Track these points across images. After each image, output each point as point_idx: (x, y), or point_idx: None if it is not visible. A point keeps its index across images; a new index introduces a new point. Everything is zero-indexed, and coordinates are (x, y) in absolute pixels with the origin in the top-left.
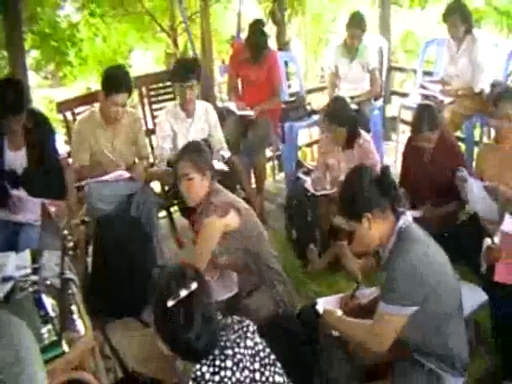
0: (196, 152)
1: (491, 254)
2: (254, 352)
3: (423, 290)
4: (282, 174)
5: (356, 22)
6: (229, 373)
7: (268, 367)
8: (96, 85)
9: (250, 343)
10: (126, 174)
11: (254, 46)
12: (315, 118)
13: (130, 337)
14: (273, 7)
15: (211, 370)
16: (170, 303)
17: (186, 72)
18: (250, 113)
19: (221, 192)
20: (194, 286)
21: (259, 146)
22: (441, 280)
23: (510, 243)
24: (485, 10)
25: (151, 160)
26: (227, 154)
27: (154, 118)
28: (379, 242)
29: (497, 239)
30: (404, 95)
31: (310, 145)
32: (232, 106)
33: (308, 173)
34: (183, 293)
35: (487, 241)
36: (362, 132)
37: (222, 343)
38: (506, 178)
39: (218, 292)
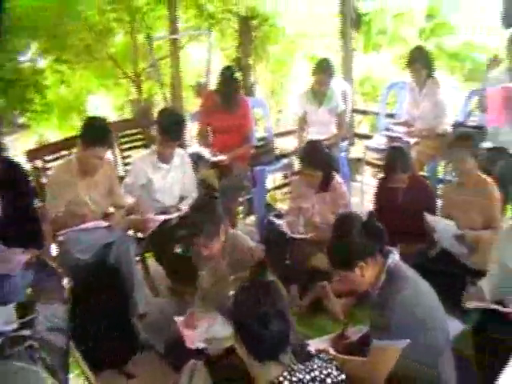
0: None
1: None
2: None
3: (415, 325)
4: (252, 218)
5: (324, 68)
6: None
7: None
8: (53, 132)
9: None
10: (103, 223)
11: (226, 94)
12: (284, 161)
13: None
14: (238, 54)
15: None
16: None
17: (178, 129)
18: (222, 158)
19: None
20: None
21: (236, 191)
22: (431, 314)
23: None
24: (435, 54)
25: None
26: None
27: (125, 165)
28: (370, 285)
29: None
30: (367, 137)
31: (276, 188)
32: (205, 152)
33: (279, 216)
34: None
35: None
36: (335, 174)
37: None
38: (471, 219)
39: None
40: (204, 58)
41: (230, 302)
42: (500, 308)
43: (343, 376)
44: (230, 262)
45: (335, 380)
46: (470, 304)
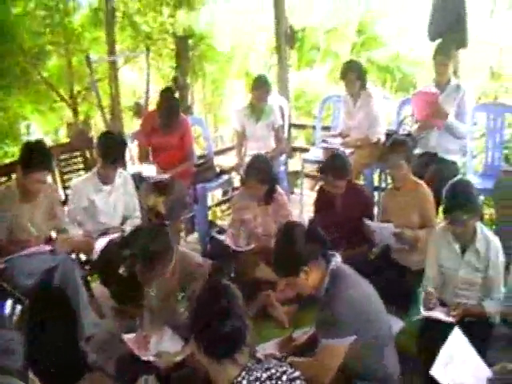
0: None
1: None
2: None
3: (359, 320)
4: (194, 235)
5: (261, 84)
6: None
7: None
8: None
9: None
10: (46, 247)
11: (166, 115)
12: (224, 178)
13: None
14: (175, 73)
15: None
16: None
17: (118, 155)
18: (164, 176)
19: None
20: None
21: (179, 209)
22: (373, 311)
23: None
24: (367, 67)
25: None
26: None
27: (65, 188)
28: (314, 289)
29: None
30: (304, 150)
31: (218, 204)
32: (146, 171)
33: (221, 232)
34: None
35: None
36: (277, 186)
37: (252, 382)
38: (409, 221)
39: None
40: (140, 79)
41: (181, 317)
42: (442, 318)
43: (298, 373)
44: (180, 279)
45: (290, 376)
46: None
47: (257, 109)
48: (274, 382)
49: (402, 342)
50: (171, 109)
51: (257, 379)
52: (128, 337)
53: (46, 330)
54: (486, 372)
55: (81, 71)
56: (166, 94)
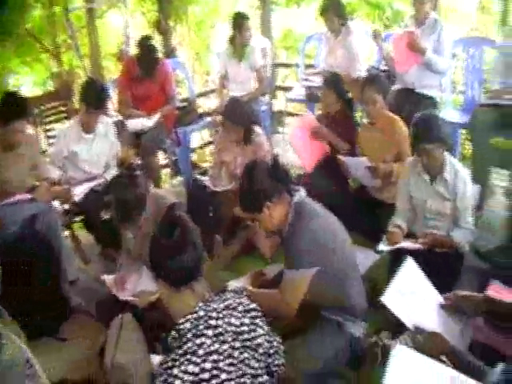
0: None
1: (390, 236)
2: (237, 330)
3: (323, 252)
4: (179, 179)
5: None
6: (208, 341)
7: (248, 350)
8: None
9: (234, 321)
10: (28, 196)
11: (145, 63)
12: (207, 120)
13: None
14: (158, 17)
15: (194, 331)
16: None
17: (100, 101)
18: (147, 125)
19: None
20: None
21: (152, 147)
22: (337, 242)
23: None
24: (356, 3)
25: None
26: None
27: (48, 138)
28: (281, 223)
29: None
30: (288, 89)
31: (201, 147)
32: (130, 122)
33: (204, 173)
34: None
35: (392, 221)
36: (255, 127)
37: (209, 312)
38: (383, 155)
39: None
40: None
41: None
42: (410, 245)
43: (254, 305)
44: (155, 219)
45: (246, 308)
46: (384, 247)
47: (238, 50)
48: (230, 311)
49: (373, 275)
50: (150, 58)
51: (214, 309)
52: (108, 277)
53: (28, 276)
54: (439, 299)
55: (63, 21)
56: (145, 42)
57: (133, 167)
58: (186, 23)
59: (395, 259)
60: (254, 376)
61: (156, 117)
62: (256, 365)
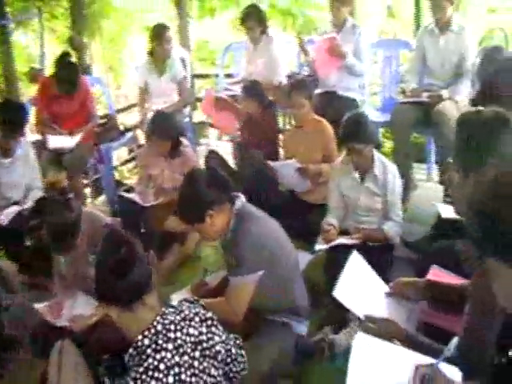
0: None
1: (326, 234)
2: (196, 340)
3: (267, 256)
4: (101, 198)
5: (161, 33)
6: (169, 355)
7: (207, 359)
8: None
9: (192, 331)
10: None
11: (65, 81)
12: (128, 135)
13: None
14: (71, 33)
15: (153, 346)
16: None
17: (18, 123)
18: (69, 144)
19: None
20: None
21: (77, 166)
22: (279, 245)
23: None
24: (269, 12)
25: None
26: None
27: None
28: (222, 231)
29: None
30: None
31: (123, 163)
32: (51, 139)
33: (128, 190)
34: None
35: (325, 221)
36: (182, 139)
37: (167, 325)
38: (312, 157)
39: None
40: (35, 43)
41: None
42: (345, 241)
43: (210, 313)
44: (89, 241)
45: (203, 317)
46: (321, 246)
47: (159, 63)
48: (187, 322)
49: (310, 275)
50: (70, 76)
51: (171, 322)
52: (40, 306)
53: None
54: (385, 288)
55: None
56: (63, 59)
57: (66, 191)
58: (100, 38)
59: (332, 257)
60: None
61: (78, 136)
62: (215, 373)
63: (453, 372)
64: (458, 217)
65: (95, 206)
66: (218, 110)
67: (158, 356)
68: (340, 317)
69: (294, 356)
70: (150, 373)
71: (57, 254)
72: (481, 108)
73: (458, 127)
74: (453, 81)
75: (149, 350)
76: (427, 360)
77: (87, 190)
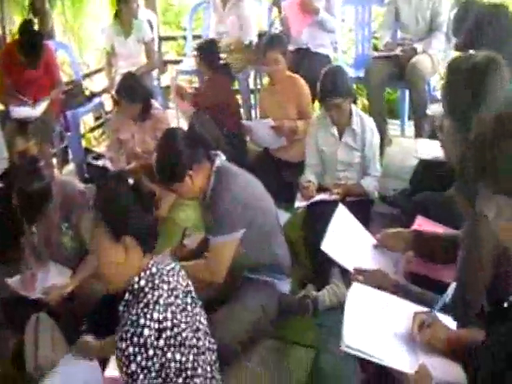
0: None
1: (305, 191)
2: (186, 290)
3: (248, 214)
4: (69, 167)
5: None
6: (165, 294)
7: (198, 306)
8: None
9: (182, 281)
10: None
11: (28, 49)
12: (95, 101)
13: None
14: None
15: (150, 285)
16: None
17: None
18: (36, 112)
19: None
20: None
21: (44, 135)
22: (261, 203)
23: None
24: None
25: None
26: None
27: None
28: (202, 190)
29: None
30: (177, 62)
31: (91, 131)
32: (15, 110)
33: (97, 158)
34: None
35: (302, 178)
36: (152, 101)
37: (161, 270)
38: (287, 114)
39: None
40: None
41: (67, 248)
42: (325, 197)
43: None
44: (62, 209)
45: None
46: (300, 203)
47: (125, 24)
48: (175, 272)
49: (289, 234)
50: (33, 43)
51: (163, 268)
52: (12, 280)
53: None
54: (371, 240)
55: None
56: (25, 27)
57: (35, 159)
58: (62, 2)
59: (311, 214)
60: (206, 333)
61: (44, 103)
62: (205, 322)
63: (447, 320)
64: (439, 156)
65: (64, 175)
66: (180, 98)
67: (156, 293)
68: (322, 274)
69: (277, 314)
70: (151, 306)
71: (27, 223)
72: (471, 52)
73: (448, 73)
74: (426, 35)
75: (146, 289)
76: (423, 309)
77: (54, 160)
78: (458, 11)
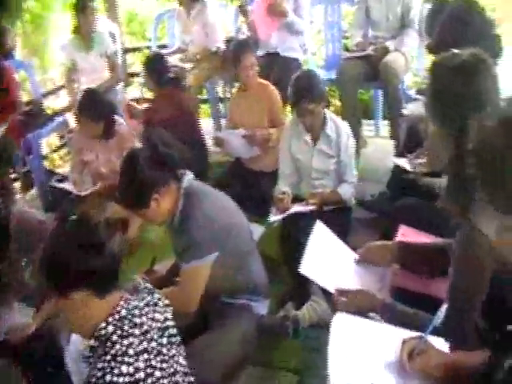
0: None
1: (280, 204)
2: (162, 326)
3: (220, 236)
4: (32, 192)
5: (83, 5)
6: (136, 341)
7: (175, 346)
8: None
9: (158, 316)
10: None
11: None
12: (58, 120)
13: None
14: None
15: (119, 332)
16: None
17: None
18: None
19: None
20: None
21: (4, 162)
22: (234, 222)
23: None
24: None
25: None
26: None
27: None
28: (170, 213)
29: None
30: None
31: (55, 151)
32: None
33: (62, 180)
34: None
35: (276, 190)
36: (116, 118)
37: (132, 311)
38: (258, 121)
39: None
40: None
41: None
42: (301, 209)
43: (167, 301)
44: (21, 243)
45: (163, 304)
46: (274, 217)
47: (86, 38)
48: (152, 308)
49: (265, 249)
50: None
51: (135, 307)
52: None
53: None
54: (353, 255)
55: None
56: None
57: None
58: (21, 20)
59: (287, 227)
60: (185, 374)
61: (1, 128)
62: (183, 362)
63: (439, 343)
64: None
65: (26, 202)
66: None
67: (125, 342)
68: (301, 291)
69: (256, 337)
70: (119, 358)
71: None
72: (455, 50)
73: (431, 74)
74: (398, 32)
75: (114, 337)
76: (412, 334)
77: (17, 185)
78: (430, 9)
